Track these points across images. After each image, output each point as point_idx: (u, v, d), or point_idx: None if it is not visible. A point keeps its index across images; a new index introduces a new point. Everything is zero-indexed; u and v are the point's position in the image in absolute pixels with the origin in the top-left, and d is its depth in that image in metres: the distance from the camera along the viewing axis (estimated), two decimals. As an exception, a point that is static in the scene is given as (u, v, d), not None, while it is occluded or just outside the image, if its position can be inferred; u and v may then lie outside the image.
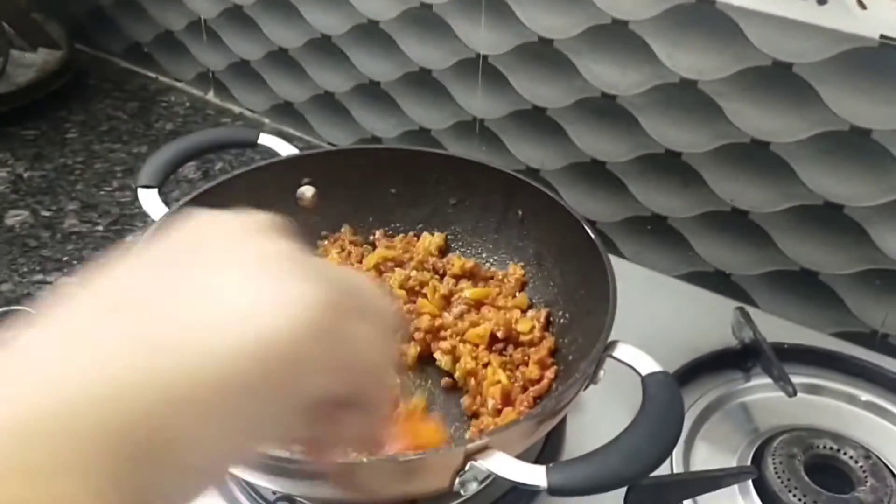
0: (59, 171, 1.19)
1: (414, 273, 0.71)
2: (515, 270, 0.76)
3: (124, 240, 1.06)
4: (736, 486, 0.64)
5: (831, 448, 0.65)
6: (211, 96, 1.35)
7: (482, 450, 0.49)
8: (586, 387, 0.58)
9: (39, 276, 1.02)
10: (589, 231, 0.65)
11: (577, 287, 0.68)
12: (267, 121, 1.30)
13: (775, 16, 0.79)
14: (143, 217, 1.10)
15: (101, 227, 1.09)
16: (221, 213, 0.33)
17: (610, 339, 0.57)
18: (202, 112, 1.33)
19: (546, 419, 0.54)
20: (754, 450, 0.67)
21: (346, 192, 0.77)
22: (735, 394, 0.73)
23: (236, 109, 1.33)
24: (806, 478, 0.62)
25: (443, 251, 0.78)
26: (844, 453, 0.65)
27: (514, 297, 0.73)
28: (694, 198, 0.94)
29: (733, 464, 0.66)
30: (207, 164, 1.21)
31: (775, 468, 0.63)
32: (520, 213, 0.75)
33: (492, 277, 0.75)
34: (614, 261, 0.93)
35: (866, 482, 0.63)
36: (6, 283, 1.01)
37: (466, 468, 0.50)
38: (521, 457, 0.50)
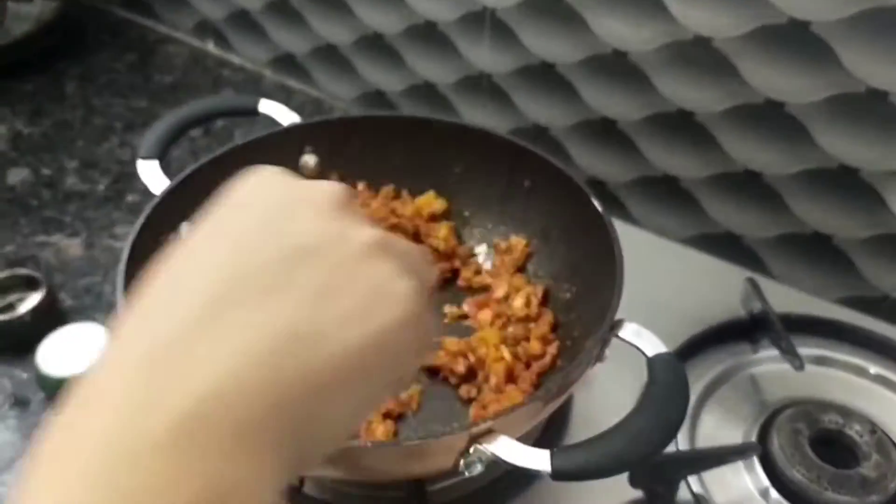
0: (58, 128, 1.17)
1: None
2: (518, 243, 0.74)
3: (124, 200, 1.05)
4: (741, 462, 0.64)
5: (837, 423, 0.65)
6: (210, 47, 1.32)
7: (487, 433, 0.49)
8: (592, 365, 0.57)
9: (42, 238, 1.01)
10: (597, 204, 0.63)
11: (584, 262, 0.67)
12: (268, 73, 1.27)
13: (794, -28, 0.76)
14: (145, 176, 1.09)
15: (101, 187, 1.08)
16: (297, 180, 0.37)
17: (616, 318, 0.56)
18: (202, 64, 1.30)
19: (551, 401, 0.54)
20: (760, 424, 0.66)
21: (348, 161, 0.75)
22: (743, 365, 0.72)
23: (236, 61, 1.30)
24: (811, 453, 0.62)
25: (436, 219, 0.76)
26: (850, 428, 0.64)
27: (513, 274, 0.72)
28: (706, 159, 0.91)
29: (739, 437, 0.66)
30: (208, 120, 1.19)
31: (780, 443, 0.63)
32: (526, 183, 0.73)
33: (471, 257, 0.74)
34: (622, 227, 0.91)
35: (871, 457, 0.62)
36: (9, 245, 1.00)
37: (471, 451, 0.49)
38: (524, 436, 0.50)
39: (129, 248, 0.59)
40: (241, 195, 0.36)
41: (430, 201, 0.76)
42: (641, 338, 0.54)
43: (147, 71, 1.29)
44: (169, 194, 0.63)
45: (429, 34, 1.05)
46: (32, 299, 0.89)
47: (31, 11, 1.25)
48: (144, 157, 0.66)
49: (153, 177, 0.65)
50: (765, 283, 0.75)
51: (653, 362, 0.52)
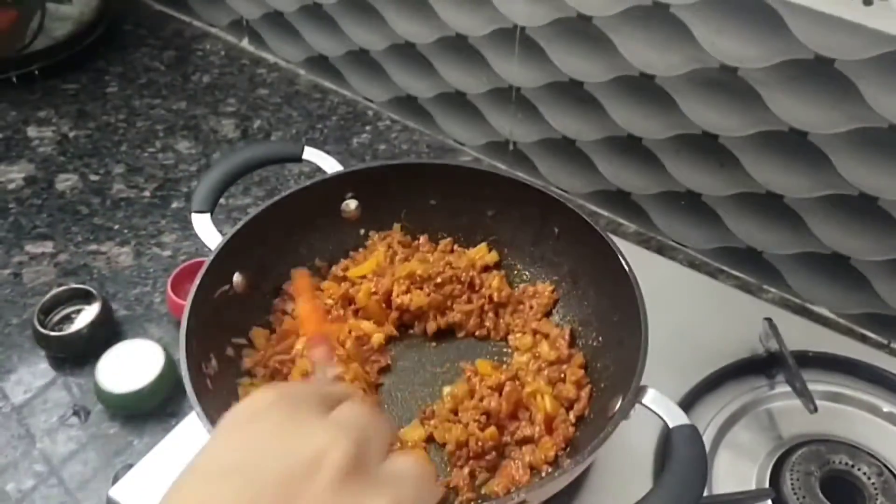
0: (102, 131, 1.21)
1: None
2: (545, 289, 0.78)
3: (170, 206, 1.10)
4: None
5: (846, 463, 0.69)
6: (245, 44, 1.35)
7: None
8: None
9: (93, 246, 1.06)
10: (623, 262, 0.67)
11: (611, 312, 0.70)
12: (302, 72, 1.30)
13: (820, 12, 0.78)
14: (188, 182, 1.14)
15: (147, 193, 1.13)
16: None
17: (641, 384, 0.60)
18: (237, 62, 1.33)
19: (576, 471, 0.58)
20: (773, 462, 0.71)
21: (387, 204, 0.79)
22: (760, 401, 0.76)
23: (271, 59, 1.33)
24: (821, 494, 0.67)
25: (488, 269, 0.81)
26: (858, 469, 0.69)
27: (540, 319, 0.77)
28: (729, 178, 0.94)
29: (753, 475, 0.70)
30: (246, 122, 1.23)
31: (792, 485, 0.67)
32: (556, 230, 0.77)
33: (521, 303, 0.78)
34: (643, 254, 0.95)
35: (877, 499, 0.67)
36: (63, 254, 1.05)
37: (503, 520, 0.55)
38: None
39: (189, 309, 0.64)
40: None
41: (483, 253, 0.81)
42: (663, 407, 0.58)
43: (185, 70, 1.32)
44: (222, 250, 0.68)
45: (459, 46, 1.07)
46: (89, 313, 0.95)
47: (72, 12, 1.28)
48: (198, 212, 0.70)
49: (206, 230, 0.70)
50: (784, 317, 0.79)
51: (674, 434, 0.56)
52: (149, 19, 1.42)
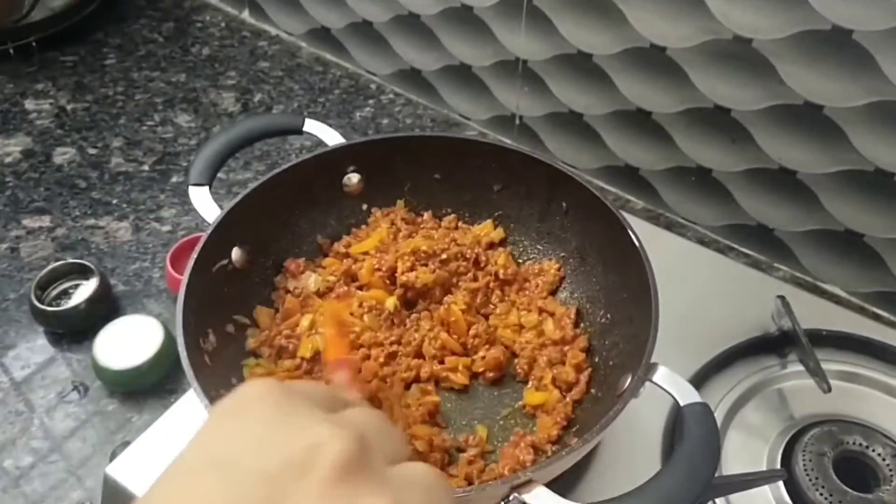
0: (100, 104, 1.19)
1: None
2: (551, 267, 0.77)
3: (169, 181, 1.08)
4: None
5: (860, 444, 0.67)
6: (246, 16, 1.32)
7: (526, 483, 0.52)
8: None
9: (91, 221, 1.05)
10: (633, 237, 0.65)
11: (620, 288, 0.69)
12: (304, 45, 1.27)
13: (839, -20, 0.76)
14: (187, 156, 1.12)
15: (146, 167, 1.11)
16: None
17: (651, 361, 0.58)
18: (238, 34, 1.30)
19: (584, 450, 0.57)
20: (785, 443, 0.69)
21: (390, 178, 0.77)
22: (771, 380, 0.75)
23: (272, 31, 1.30)
24: (834, 476, 0.65)
25: (493, 246, 0.79)
26: (873, 450, 0.67)
27: (546, 297, 0.75)
28: (741, 154, 0.92)
29: (764, 455, 0.69)
30: (247, 95, 1.20)
31: (805, 466, 0.66)
32: (564, 205, 0.75)
33: (527, 280, 0.76)
34: (654, 230, 0.93)
35: (891, 481, 0.65)
36: (60, 228, 1.04)
37: (510, 498, 0.53)
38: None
39: (185, 284, 0.62)
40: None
41: (488, 230, 0.79)
42: (674, 384, 0.56)
43: (184, 42, 1.29)
44: (221, 223, 0.66)
45: (465, 17, 1.04)
46: (87, 288, 0.94)
47: (69, -18, 1.25)
48: (195, 184, 0.68)
49: (204, 203, 0.68)
50: (797, 295, 0.77)
51: (685, 412, 0.55)
52: (147, -11, 1.39)
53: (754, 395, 0.74)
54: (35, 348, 0.92)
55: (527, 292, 0.75)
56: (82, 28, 1.29)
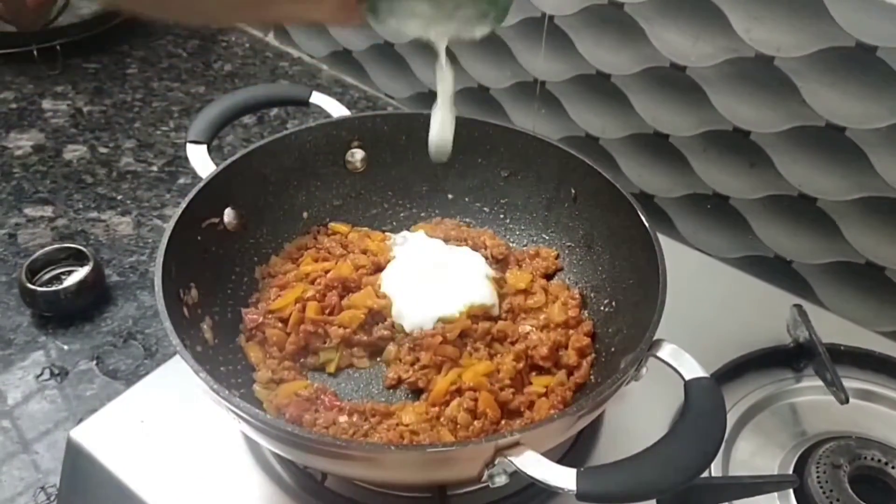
0: (118, 108, 1.19)
1: None
2: (549, 254, 0.74)
3: (176, 182, 1.07)
4: (776, 493, 0.62)
5: (879, 460, 0.62)
6: (270, 38, 1.34)
7: (513, 445, 0.48)
8: (626, 383, 0.56)
9: (94, 214, 1.03)
10: (643, 218, 0.62)
11: (627, 275, 0.66)
12: (325, 67, 1.28)
13: (864, -5, 0.74)
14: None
15: (155, 168, 1.10)
16: None
17: (656, 337, 0.54)
18: (261, 54, 1.31)
19: (581, 417, 0.52)
20: (798, 455, 0.64)
21: (395, 158, 0.75)
22: (784, 394, 0.70)
23: (295, 54, 1.31)
24: (849, 489, 0.60)
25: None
26: (893, 467, 0.62)
27: (549, 283, 0.72)
28: (760, 179, 0.89)
29: (775, 467, 0.64)
30: (263, 110, 1.20)
31: (818, 477, 0.61)
32: (573, 191, 0.72)
33: (521, 262, 0.73)
34: (668, 243, 0.89)
35: (913, 500, 0.60)
36: (61, 219, 1.02)
37: (496, 462, 0.49)
38: (551, 450, 0.49)
39: (171, 230, 0.60)
40: None
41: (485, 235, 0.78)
42: (679, 360, 0.53)
43: (207, 58, 1.30)
44: (214, 179, 0.64)
45: (486, 38, 1.04)
46: (80, 273, 0.91)
47: (100, -7, 1.27)
48: (193, 141, 0.66)
49: (200, 161, 0.66)
50: (812, 310, 0.73)
51: (690, 386, 0.51)
52: (177, 10, 1.41)
53: (766, 407, 0.69)
54: (19, 330, 0.89)
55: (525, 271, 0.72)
56: (108, 38, 1.30)
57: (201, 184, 0.64)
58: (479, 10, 0.53)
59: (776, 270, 0.92)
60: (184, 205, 0.62)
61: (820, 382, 0.69)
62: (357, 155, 0.75)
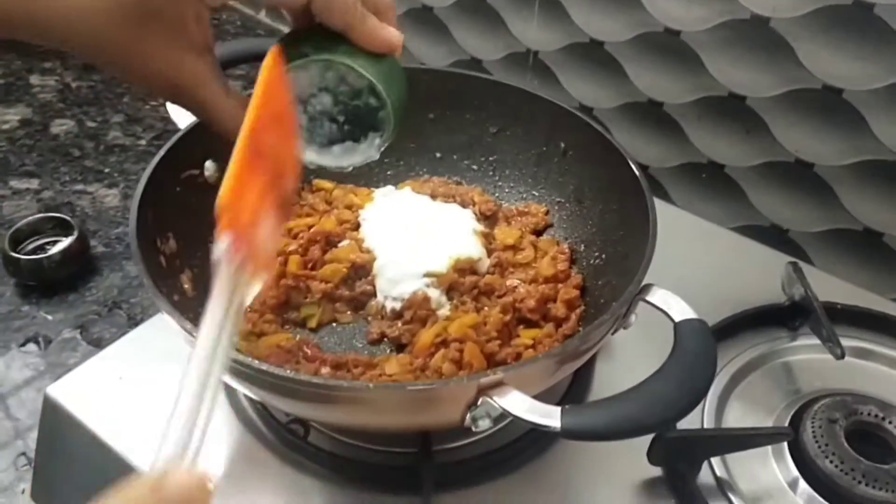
0: (106, 83, 1.18)
1: None
2: (539, 210, 0.72)
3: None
4: (769, 448, 0.60)
5: (876, 416, 0.60)
6: (262, 16, 1.32)
7: (497, 385, 0.46)
8: (615, 331, 0.55)
9: (80, 186, 1.02)
10: (633, 167, 0.61)
11: (616, 227, 0.64)
12: (317, 44, 1.27)
13: (860, -50, 0.73)
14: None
15: (143, 142, 1.08)
16: None
17: (645, 283, 0.53)
18: (253, 32, 1.30)
19: (567, 360, 0.51)
20: (793, 412, 0.62)
21: (382, 113, 0.73)
22: (778, 352, 0.68)
23: (286, 30, 1.29)
24: (846, 444, 0.58)
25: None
26: (890, 422, 0.60)
27: (538, 239, 0.71)
28: (755, 146, 0.88)
29: (769, 424, 0.62)
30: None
31: (814, 432, 0.59)
32: (563, 145, 0.70)
33: (509, 219, 0.72)
34: (663, 206, 0.88)
35: (911, 455, 0.58)
36: (47, 191, 1.01)
37: (479, 403, 0.47)
38: (542, 398, 0.47)
39: (148, 174, 0.58)
40: None
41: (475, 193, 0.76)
42: (669, 303, 0.51)
43: (198, 35, 1.29)
44: (194, 129, 0.62)
45: (478, 8, 1.03)
46: (64, 242, 0.90)
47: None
48: (175, 93, 0.65)
49: (180, 112, 0.64)
50: (807, 270, 0.71)
51: (680, 327, 0.49)
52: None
53: (760, 366, 0.67)
54: (2, 300, 0.88)
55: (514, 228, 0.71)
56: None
57: (180, 133, 0.62)
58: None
59: (772, 239, 0.90)
60: (162, 151, 0.60)
61: (815, 341, 0.67)
62: (345, 110, 0.73)
